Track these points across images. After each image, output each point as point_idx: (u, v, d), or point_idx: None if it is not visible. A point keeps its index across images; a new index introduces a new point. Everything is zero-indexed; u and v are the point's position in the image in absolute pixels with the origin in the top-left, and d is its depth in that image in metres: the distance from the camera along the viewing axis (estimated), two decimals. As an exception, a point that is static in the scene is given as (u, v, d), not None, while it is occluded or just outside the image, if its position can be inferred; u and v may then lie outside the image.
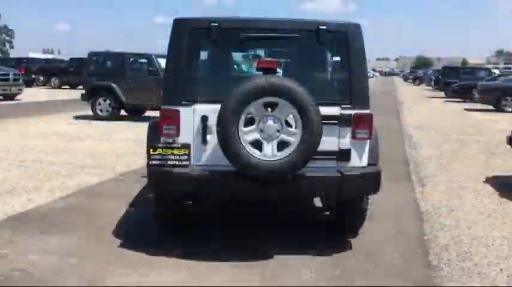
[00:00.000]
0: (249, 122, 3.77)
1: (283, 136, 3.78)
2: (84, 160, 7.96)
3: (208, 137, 3.97)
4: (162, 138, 4.02)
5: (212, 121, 3.91)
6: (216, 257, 4.04)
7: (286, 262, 4.01)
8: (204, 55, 4.33)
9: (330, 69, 4.30)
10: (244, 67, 4.25)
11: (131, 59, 13.63)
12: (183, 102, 3.96)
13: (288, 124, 3.80)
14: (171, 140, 3.98)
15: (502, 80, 20.94)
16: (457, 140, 11.21)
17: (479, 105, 20.34)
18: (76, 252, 4.12)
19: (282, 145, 3.79)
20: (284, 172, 3.78)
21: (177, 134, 3.98)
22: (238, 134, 3.72)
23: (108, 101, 13.45)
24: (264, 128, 3.77)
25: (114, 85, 13.23)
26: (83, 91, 14.22)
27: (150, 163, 3.97)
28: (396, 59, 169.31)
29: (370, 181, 4.06)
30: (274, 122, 3.76)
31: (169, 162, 3.95)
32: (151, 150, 3.96)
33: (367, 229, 4.69)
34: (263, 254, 4.11)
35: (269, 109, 3.76)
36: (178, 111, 3.96)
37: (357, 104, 4.04)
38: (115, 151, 8.84)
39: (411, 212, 5.57)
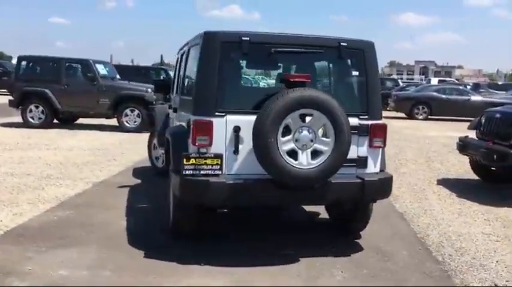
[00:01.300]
0: (286, 132, 3.97)
1: (316, 145, 4.02)
2: (45, 171, 7.60)
3: (240, 147, 4.11)
4: (194, 148, 4.08)
5: (244, 131, 4.06)
6: (244, 262, 4.17)
7: (314, 264, 4.24)
8: (234, 68, 4.44)
9: (348, 82, 4.61)
10: (273, 80, 4.43)
11: (67, 64, 13.07)
12: (216, 114, 4.07)
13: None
14: (204, 150, 4.06)
15: (413, 90, 22.73)
16: (390, 146, 12.06)
17: (392, 113, 21.90)
18: (104, 265, 4.05)
19: (315, 154, 4.03)
20: (318, 179, 4.03)
21: (210, 144, 4.07)
22: (277, 144, 3.91)
23: (41, 108, 12.79)
24: (300, 138, 3.99)
25: (48, 91, 12.62)
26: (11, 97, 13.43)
27: (184, 172, 4.01)
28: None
29: (386, 185, 4.42)
30: (309, 132, 4.00)
31: (202, 172, 4.03)
32: (184, 160, 4.01)
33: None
34: (290, 258, 4.31)
35: (304, 120, 3.99)
36: (211, 122, 4.05)
37: (373, 115, 4.39)
38: (71, 161, 8.52)
39: (392, 213, 6.04)
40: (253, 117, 4.00)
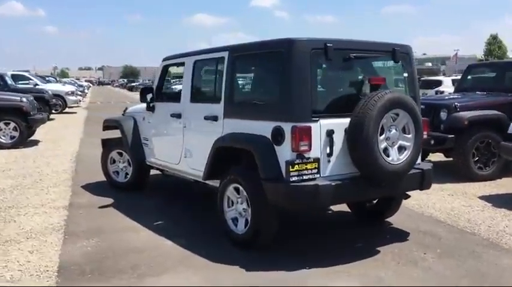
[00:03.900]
0: (380, 132, 4.26)
1: (401, 142, 4.41)
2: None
3: (333, 148, 4.26)
4: (293, 154, 4.10)
5: (337, 134, 4.24)
6: (334, 260, 4.31)
7: (393, 251, 4.61)
8: (322, 73, 4.51)
9: (402, 82, 5.01)
10: (354, 83, 4.64)
11: None
12: (313, 119, 4.16)
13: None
14: (306, 155, 4.12)
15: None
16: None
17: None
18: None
19: (400, 150, 4.41)
20: (404, 173, 4.42)
21: (310, 149, 4.14)
22: (377, 143, 4.18)
23: None
24: (390, 136, 4.33)
25: None
26: None
27: (290, 179, 4.03)
28: (100, 68, 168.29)
29: (432, 174, 4.99)
30: (396, 130, 4.36)
31: (304, 177, 4.10)
32: (290, 167, 4.03)
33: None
34: (366, 251, 4.59)
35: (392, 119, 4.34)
36: (310, 128, 4.13)
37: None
38: (-5, 186, 7.30)
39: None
40: (342, 120, 4.23)
